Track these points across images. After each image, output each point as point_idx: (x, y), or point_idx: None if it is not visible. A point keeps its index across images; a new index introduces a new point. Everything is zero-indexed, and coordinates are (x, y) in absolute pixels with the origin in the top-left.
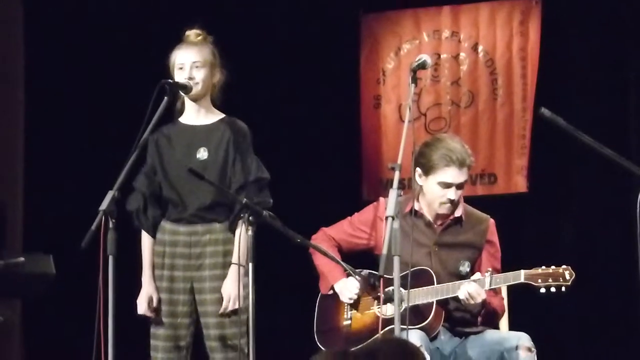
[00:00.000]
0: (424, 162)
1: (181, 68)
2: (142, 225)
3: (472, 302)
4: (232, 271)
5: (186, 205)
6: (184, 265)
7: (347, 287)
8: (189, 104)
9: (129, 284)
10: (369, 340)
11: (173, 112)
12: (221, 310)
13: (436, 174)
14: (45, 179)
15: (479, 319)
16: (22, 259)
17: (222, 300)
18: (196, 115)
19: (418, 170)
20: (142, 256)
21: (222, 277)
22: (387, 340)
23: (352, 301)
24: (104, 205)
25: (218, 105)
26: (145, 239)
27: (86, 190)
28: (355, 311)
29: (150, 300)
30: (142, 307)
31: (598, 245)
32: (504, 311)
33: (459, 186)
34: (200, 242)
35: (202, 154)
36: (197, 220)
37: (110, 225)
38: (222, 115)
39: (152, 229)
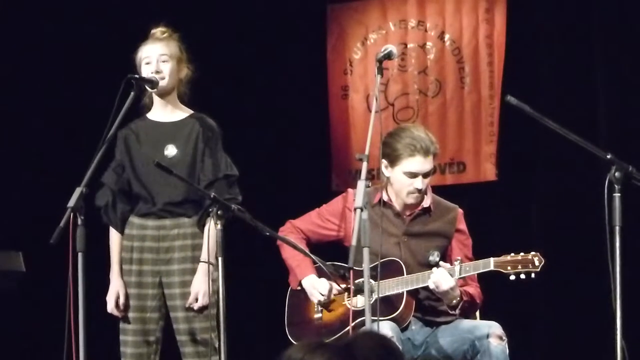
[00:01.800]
0: (389, 152)
1: (148, 63)
2: (111, 221)
3: (440, 287)
4: (201, 267)
5: (155, 200)
6: (152, 260)
7: (317, 288)
8: (156, 100)
9: (100, 281)
10: (342, 333)
11: (141, 107)
12: (187, 305)
13: (402, 164)
14: (14, 175)
15: (458, 310)
16: None
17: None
18: (163, 111)
19: (384, 161)
20: (110, 253)
21: (191, 272)
22: (364, 333)
23: (321, 303)
24: (72, 202)
25: (186, 101)
26: (114, 235)
27: (55, 187)
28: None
29: (117, 297)
30: (110, 305)
31: (568, 232)
32: (482, 299)
33: (425, 175)
34: (168, 236)
35: (170, 150)
36: (166, 215)
37: (79, 221)
38: (191, 112)
39: (121, 224)
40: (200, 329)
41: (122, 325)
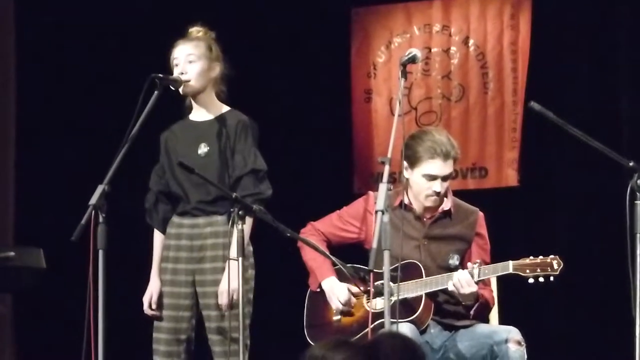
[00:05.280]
0: (410, 154)
1: (177, 64)
2: (152, 222)
3: (460, 291)
4: (227, 266)
5: (189, 198)
6: (186, 258)
7: (336, 294)
8: (192, 100)
9: (120, 279)
10: (360, 335)
11: (184, 109)
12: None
13: (421, 166)
14: (36, 172)
15: (472, 312)
16: (12, 252)
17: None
18: (200, 111)
19: (405, 163)
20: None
21: (223, 270)
22: (388, 333)
23: (339, 309)
24: (93, 199)
25: (224, 98)
26: (156, 235)
27: (77, 184)
28: None
29: (150, 297)
30: (145, 304)
31: (588, 238)
32: (494, 303)
33: (444, 178)
34: (201, 235)
35: (203, 149)
36: (199, 213)
37: (100, 219)
38: (226, 109)
39: (162, 224)
40: (232, 328)
41: (155, 322)
